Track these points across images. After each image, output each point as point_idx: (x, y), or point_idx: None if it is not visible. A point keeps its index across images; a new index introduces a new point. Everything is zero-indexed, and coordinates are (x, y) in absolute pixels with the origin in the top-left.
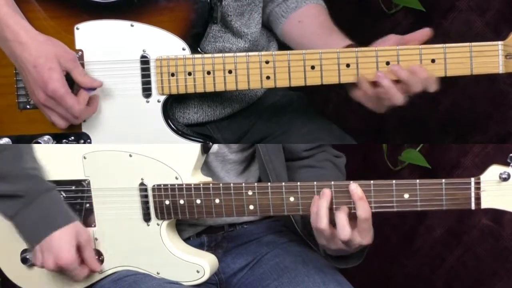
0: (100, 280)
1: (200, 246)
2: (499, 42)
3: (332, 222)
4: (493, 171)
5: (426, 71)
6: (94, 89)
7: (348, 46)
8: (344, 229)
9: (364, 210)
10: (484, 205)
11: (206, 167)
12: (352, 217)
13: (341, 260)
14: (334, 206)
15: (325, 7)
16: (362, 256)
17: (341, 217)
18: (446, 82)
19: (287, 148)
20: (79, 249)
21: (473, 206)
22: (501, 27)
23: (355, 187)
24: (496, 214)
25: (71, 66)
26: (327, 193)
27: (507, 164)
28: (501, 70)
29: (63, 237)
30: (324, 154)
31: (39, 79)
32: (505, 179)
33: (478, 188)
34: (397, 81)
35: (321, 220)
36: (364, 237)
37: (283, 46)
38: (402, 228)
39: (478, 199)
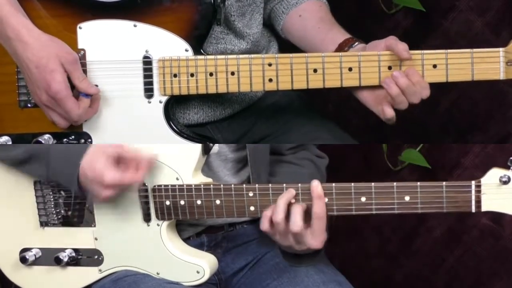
0: (100, 280)
1: (200, 246)
2: (500, 49)
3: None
4: (494, 174)
5: (419, 75)
6: (90, 95)
7: (346, 40)
8: (296, 221)
9: (320, 208)
10: (485, 208)
11: (206, 167)
12: (309, 217)
13: (295, 258)
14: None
15: (326, 3)
16: (314, 260)
17: (296, 210)
18: (447, 82)
19: (272, 146)
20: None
21: (473, 209)
22: (501, 27)
23: (316, 184)
24: (496, 215)
25: (71, 68)
26: (290, 191)
27: (507, 167)
28: (502, 76)
29: (93, 160)
30: (305, 153)
31: (42, 79)
32: (505, 182)
33: (478, 191)
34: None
35: (277, 214)
36: (315, 238)
37: (283, 46)
38: (402, 228)
39: (478, 202)
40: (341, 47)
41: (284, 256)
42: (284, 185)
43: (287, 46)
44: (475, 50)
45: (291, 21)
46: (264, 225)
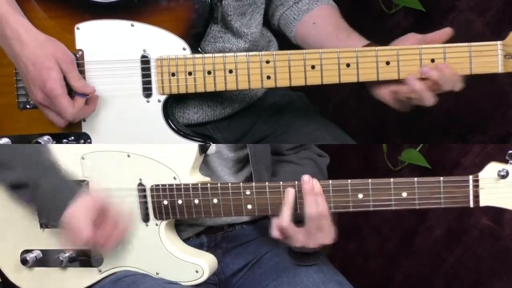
0: (100, 280)
1: (199, 246)
2: (498, 42)
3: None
4: (492, 169)
5: (451, 68)
6: (87, 95)
7: (367, 46)
8: (284, 217)
9: (313, 207)
10: (483, 203)
11: (206, 166)
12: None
13: (303, 256)
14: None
15: (336, 7)
16: (318, 258)
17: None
18: None
19: (273, 146)
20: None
21: (471, 204)
22: (501, 27)
23: (307, 179)
24: (496, 214)
25: (67, 68)
26: (290, 192)
27: (506, 162)
28: (500, 70)
29: (76, 214)
30: (306, 152)
31: (38, 77)
32: (503, 177)
33: (476, 186)
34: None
35: (283, 220)
36: (324, 235)
37: (283, 46)
38: (401, 228)
39: (476, 197)
40: None
41: (291, 256)
42: (281, 183)
43: (287, 46)
44: (473, 43)
45: (304, 29)
46: (275, 233)
